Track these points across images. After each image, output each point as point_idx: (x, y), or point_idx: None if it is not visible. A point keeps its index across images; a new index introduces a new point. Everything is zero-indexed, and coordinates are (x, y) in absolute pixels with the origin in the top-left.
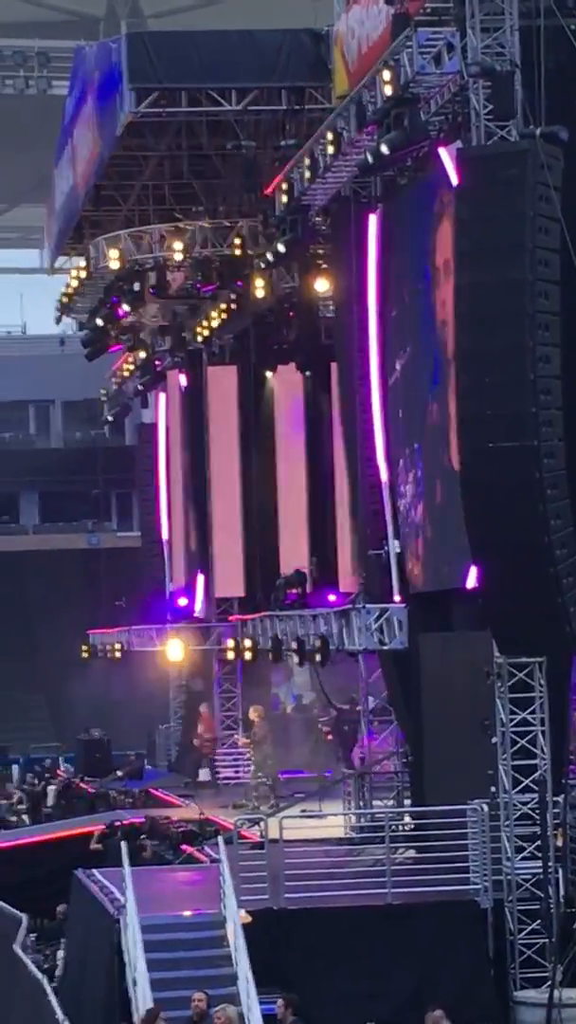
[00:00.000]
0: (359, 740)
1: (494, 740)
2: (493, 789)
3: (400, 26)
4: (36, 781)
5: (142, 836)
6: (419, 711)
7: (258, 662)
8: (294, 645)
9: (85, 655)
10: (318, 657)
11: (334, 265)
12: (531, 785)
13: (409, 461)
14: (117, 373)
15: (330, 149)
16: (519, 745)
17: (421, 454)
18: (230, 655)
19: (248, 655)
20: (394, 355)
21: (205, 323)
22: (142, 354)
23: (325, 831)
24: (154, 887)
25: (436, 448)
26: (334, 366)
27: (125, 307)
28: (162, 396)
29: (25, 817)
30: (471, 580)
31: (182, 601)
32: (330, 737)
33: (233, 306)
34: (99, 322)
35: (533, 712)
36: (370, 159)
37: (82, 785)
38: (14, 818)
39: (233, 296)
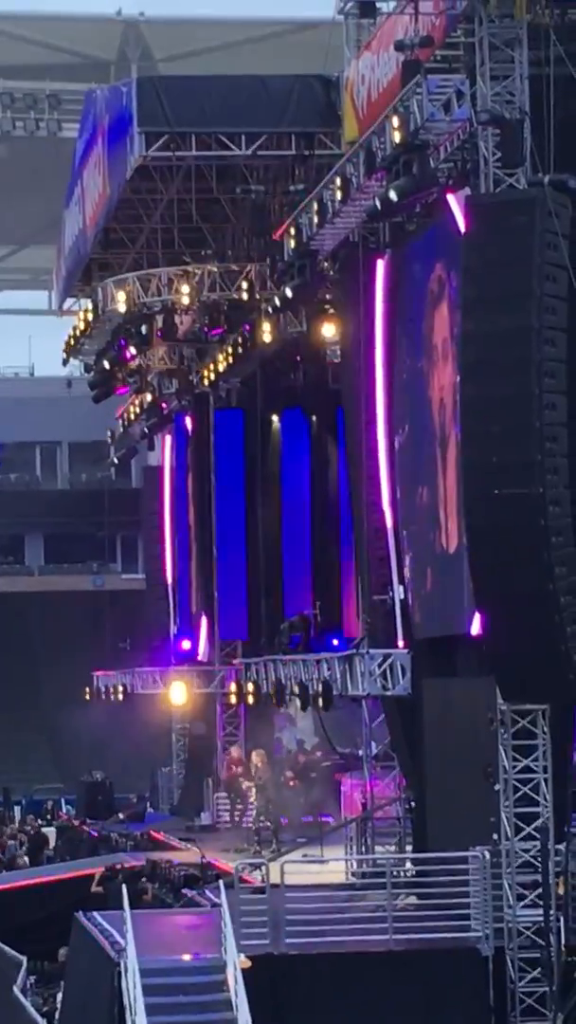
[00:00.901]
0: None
1: (496, 787)
2: (495, 836)
3: (410, 73)
4: (37, 822)
5: (143, 879)
6: (422, 757)
7: (261, 706)
8: (297, 689)
9: (88, 697)
10: (321, 701)
11: (342, 310)
12: (533, 833)
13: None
14: (124, 415)
15: (339, 194)
16: (521, 792)
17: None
18: (233, 698)
19: (251, 699)
20: (400, 414)
21: (212, 366)
22: (149, 397)
23: (327, 876)
24: (155, 930)
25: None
26: (341, 411)
27: (132, 350)
28: (168, 439)
29: (26, 859)
30: (475, 627)
31: (185, 644)
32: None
33: (240, 350)
34: (106, 364)
35: (536, 759)
36: (379, 205)
37: (84, 827)
38: (22, 860)
39: (240, 340)
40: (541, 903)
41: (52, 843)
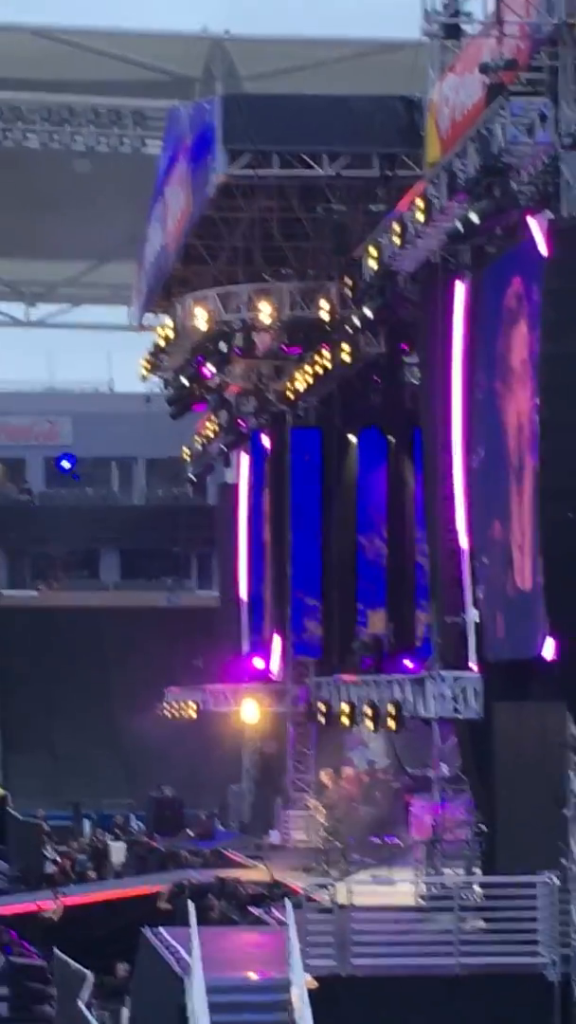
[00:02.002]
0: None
1: (566, 812)
2: (564, 861)
3: (494, 95)
4: (104, 837)
5: (210, 896)
6: (492, 780)
7: (332, 725)
8: (368, 710)
9: (160, 713)
10: (392, 723)
11: (421, 331)
12: None
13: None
14: (201, 432)
15: (420, 216)
16: None
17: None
18: (304, 718)
19: (322, 718)
20: (475, 437)
21: (290, 385)
22: (226, 414)
23: (394, 898)
24: (221, 948)
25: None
26: (418, 432)
27: (211, 367)
28: (245, 456)
29: (92, 873)
30: (548, 651)
31: (258, 662)
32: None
33: (319, 369)
34: (184, 381)
35: None
36: (460, 227)
37: (152, 843)
38: (93, 873)
39: (319, 359)
40: None
41: (120, 858)
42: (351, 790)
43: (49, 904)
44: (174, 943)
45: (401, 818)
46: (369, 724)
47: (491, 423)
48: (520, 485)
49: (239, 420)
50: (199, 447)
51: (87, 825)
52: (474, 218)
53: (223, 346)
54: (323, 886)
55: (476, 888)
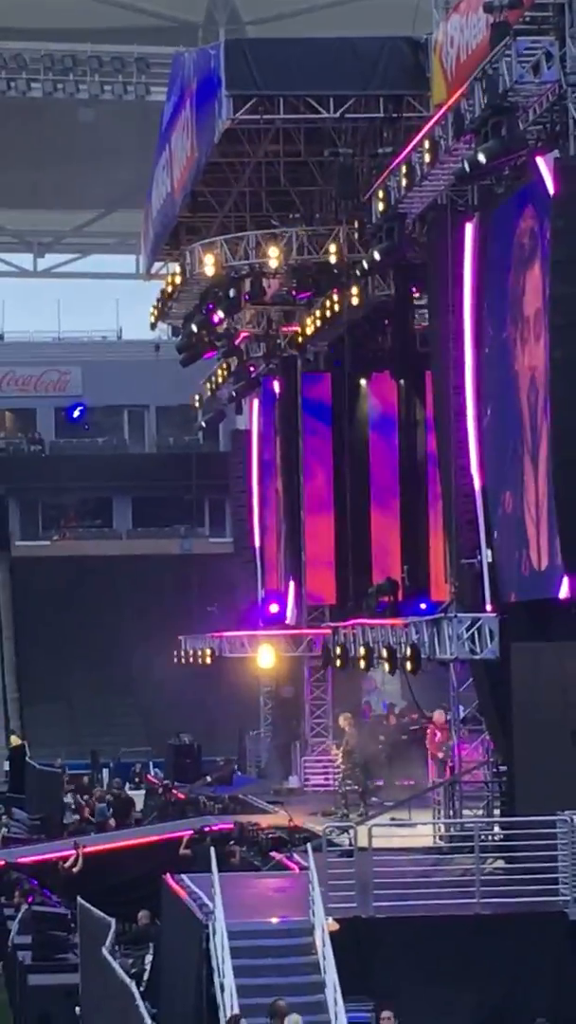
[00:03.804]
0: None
1: None
2: None
3: (499, 35)
4: (124, 785)
5: (231, 842)
6: (510, 721)
7: (349, 669)
8: (385, 653)
9: (176, 660)
10: (409, 665)
11: (430, 273)
12: None
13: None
14: (211, 379)
15: (427, 157)
16: None
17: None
18: (321, 662)
19: (339, 662)
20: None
21: (300, 330)
22: (236, 360)
23: (414, 840)
24: (242, 894)
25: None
26: (429, 375)
27: (220, 314)
28: (256, 402)
29: (112, 822)
30: (564, 590)
31: (273, 608)
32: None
33: (328, 313)
34: (194, 328)
35: None
36: (467, 167)
37: (172, 790)
38: (112, 822)
39: (328, 303)
40: None
41: (140, 806)
42: (369, 733)
43: (70, 853)
44: (196, 889)
45: (419, 760)
46: (386, 667)
47: (502, 377)
48: (537, 451)
49: (249, 366)
50: (209, 394)
51: (106, 774)
52: (481, 158)
53: (232, 292)
54: (343, 829)
55: (496, 829)
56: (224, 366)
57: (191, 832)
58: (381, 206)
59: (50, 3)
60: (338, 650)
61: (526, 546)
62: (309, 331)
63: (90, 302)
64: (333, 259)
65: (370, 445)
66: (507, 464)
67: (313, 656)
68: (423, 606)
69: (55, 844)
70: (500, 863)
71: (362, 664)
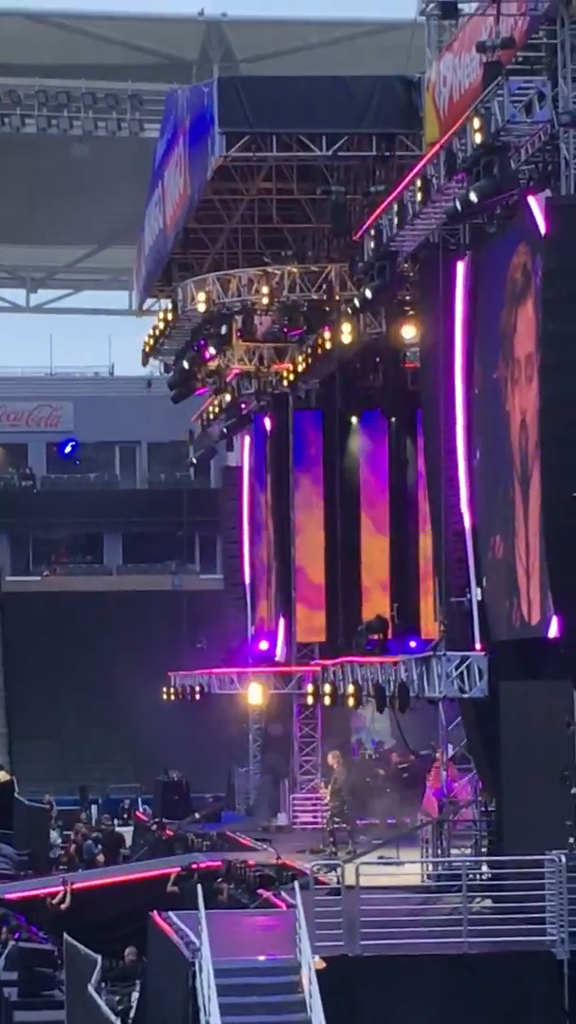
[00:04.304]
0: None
1: (573, 790)
2: (572, 840)
3: (492, 74)
4: (112, 821)
5: (219, 879)
6: (499, 760)
7: (338, 707)
8: (373, 691)
9: (165, 697)
10: (397, 703)
11: (421, 312)
12: None
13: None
14: (203, 416)
15: (419, 196)
16: None
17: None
18: (310, 700)
19: (328, 700)
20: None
21: (291, 367)
22: (228, 397)
23: (402, 879)
24: (229, 931)
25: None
26: (420, 413)
27: (211, 350)
28: (247, 439)
29: (100, 858)
30: (553, 629)
31: (263, 645)
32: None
33: (319, 351)
34: (185, 364)
35: None
36: (459, 206)
37: (160, 827)
38: (101, 858)
39: (320, 341)
40: None
41: (128, 842)
42: (358, 772)
43: (58, 889)
44: (183, 926)
45: (408, 799)
46: (375, 705)
47: (492, 418)
48: (527, 495)
49: (241, 403)
50: (201, 430)
51: (94, 810)
52: (473, 197)
53: (224, 329)
54: (331, 868)
55: (484, 868)
56: (215, 403)
57: (179, 869)
58: (373, 244)
59: (45, 39)
60: (327, 687)
61: (516, 595)
62: (300, 368)
63: (82, 338)
64: (324, 297)
65: (361, 482)
66: (497, 506)
67: (302, 694)
68: (413, 644)
69: (43, 880)
70: (488, 902)
71: (351, 702)
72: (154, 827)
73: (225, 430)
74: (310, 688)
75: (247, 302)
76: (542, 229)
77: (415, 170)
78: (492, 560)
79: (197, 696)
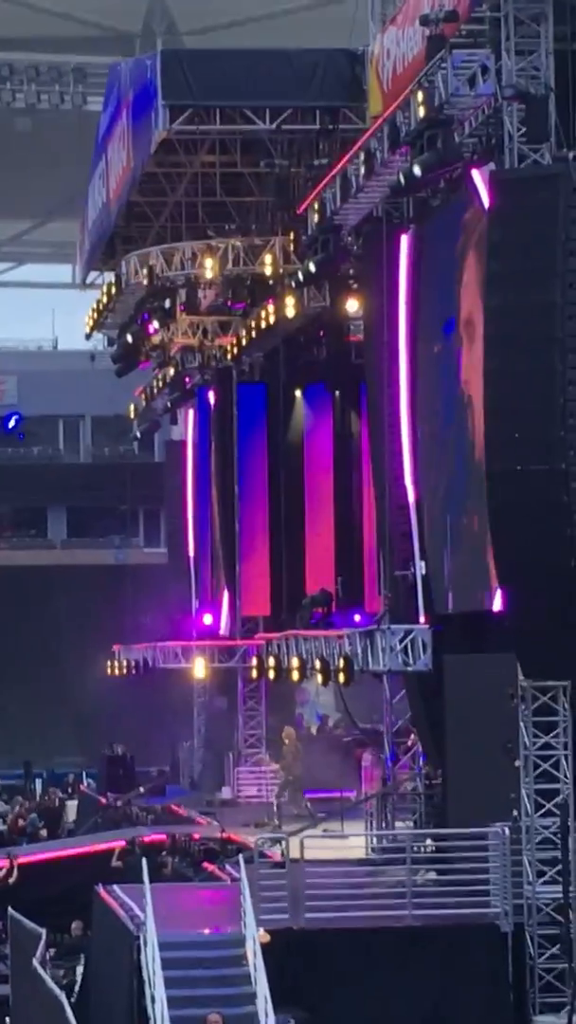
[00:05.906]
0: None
1: (517, 763)
2: (515, 812)
3: (435, 48)
4: (57, 795)
5: (163, 853)
6: (442, 733)
7: (282, 681)
8: (318, 664)
9: (110, 671)
10: (342, 677)
11: (365, 285)
12: (553, 809)
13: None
14: (146, 390)
15: (363, 169)
16: (542, 769)
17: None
18: (254, 673)
19: (272, 674)
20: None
21: (235, 341)
22: (171, 371)
23: (347, 852)
24: (174, 905)
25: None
26: (364, 386)
27: (155, 324)
28: (191, 413)
29: (43, 832)
30: (496, 603)
31: (207, 619)
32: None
33: (263, 324)
34: (129, 338)
35: (556, 736)
36: (403, 180)
37: (104, 801)
38: (44, 832)
39: (263, 314)
40: (561, 879)
41: (72, 816)
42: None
43: (3, 864)
44: (127, 900)
45: (352, 772)
46: (319, 679)
47: (437, 389)
48: (468, 467)
49: (184, 377)
50: (144, 404)
51: (39, 784)
52: (417, 171)
53: (167, 303)
54: (275, 841)
55: (428, 841)
56: (159, 377)
57: (123, 843)
58: (316, 218)
59: None
60: (271, 661)
61: (461, 568)
62: (244, 342)
63: (26, 311)
64: (268, 270)
65: (305, 456)
66: (442, 479)
67: (246, 667)
68: (357, 618)
69: None
70: (432, 875)
71: (295, 676)
72: (118, 803)
73: (169, 404)
74: (254, 662)
75: (191, 275)
76: (486, 202)
77: (359, 143)
78: (437, 533)
79: (141, 670)
